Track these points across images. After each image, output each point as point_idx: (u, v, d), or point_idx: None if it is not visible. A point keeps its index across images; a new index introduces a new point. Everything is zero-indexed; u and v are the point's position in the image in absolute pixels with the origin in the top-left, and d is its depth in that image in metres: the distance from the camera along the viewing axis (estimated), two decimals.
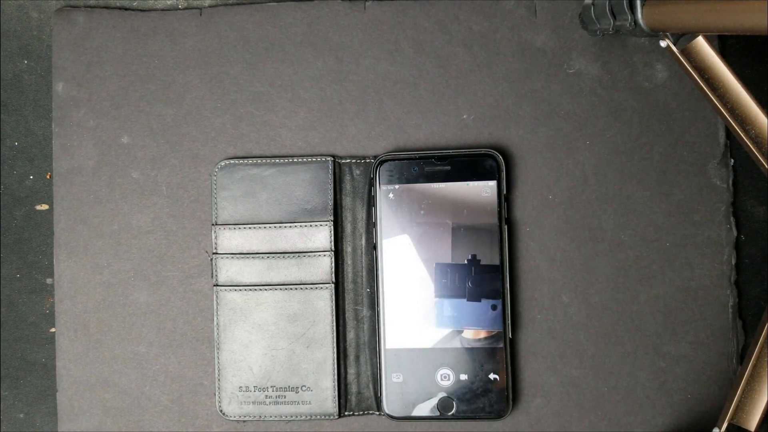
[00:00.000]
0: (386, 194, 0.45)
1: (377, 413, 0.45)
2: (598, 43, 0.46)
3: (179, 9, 0.48)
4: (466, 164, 0.45)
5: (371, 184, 0.46)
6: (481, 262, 0.44)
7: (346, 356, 0.46)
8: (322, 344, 0.45)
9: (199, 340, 0.46)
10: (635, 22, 0.40)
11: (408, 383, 0.44)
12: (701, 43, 0.40)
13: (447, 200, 0.44)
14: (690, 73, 0.40)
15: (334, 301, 0.45)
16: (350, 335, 0.46)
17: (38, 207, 0.49)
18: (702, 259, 0.45)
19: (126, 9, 0.48)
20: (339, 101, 0.47)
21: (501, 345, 0.44)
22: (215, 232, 0.46)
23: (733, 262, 0.45)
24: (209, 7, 0.48)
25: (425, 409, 0.44)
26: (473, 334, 0.44)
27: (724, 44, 0.47)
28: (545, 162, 0.46)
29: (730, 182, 0.45)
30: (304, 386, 0.45)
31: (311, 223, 0.45)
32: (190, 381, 0.46)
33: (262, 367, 0.45)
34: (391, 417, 0.44)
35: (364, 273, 0.46)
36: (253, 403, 0.45)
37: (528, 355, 0.45)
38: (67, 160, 0.47)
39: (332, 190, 0.46)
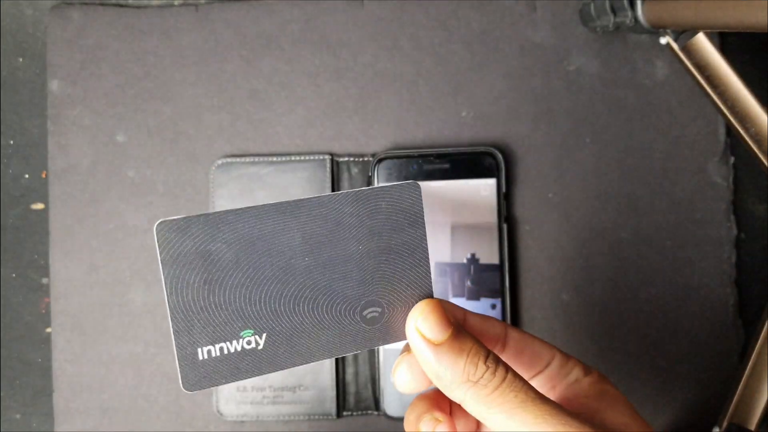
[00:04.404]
0: None
1: (376, 413, 0.45)
2: (598, 40, 0.46)
3: (175, 5, 0.48)
4: (465, 162, 0.44)
5: (369, 182, 0.45)
6: (481, 261, 0.44)
7: (344, 356, 0.45)
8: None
9: None
10: (635, 18, 0.40)
11: None
12: (702, 40, 0.40)
13: (446, 199, 0.44)
14: (690, 70, 0.40)
15: None
16: None
17: (34, 206, 0.48)
18: (702, 258, 0.45)
19: (121, 6, 0.48)
20: (337, 99, 0.46)
21: None
22: None
23: (734, 260, 0.45)
24: (205, 3, 0.47)
25: None
26: None
27: (725, 41, 0.46)
28: (545, 160, 0.46)
29: (731, 180, 0.45)
30: (302, 386, 0.45)
31: None
32: None
33: None
34: (390, 417, 0.44)
35: None
36: (251, 403, 0.45)
37: None
38: (63, 159, 0.47)
39: (330, 189, 0.45)
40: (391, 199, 0.26)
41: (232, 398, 0.45)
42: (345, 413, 0.45)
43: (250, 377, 0.25)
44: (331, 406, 0.45)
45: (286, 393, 0.45)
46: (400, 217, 0.26)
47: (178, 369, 0.24)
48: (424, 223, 0.26)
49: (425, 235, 0.26)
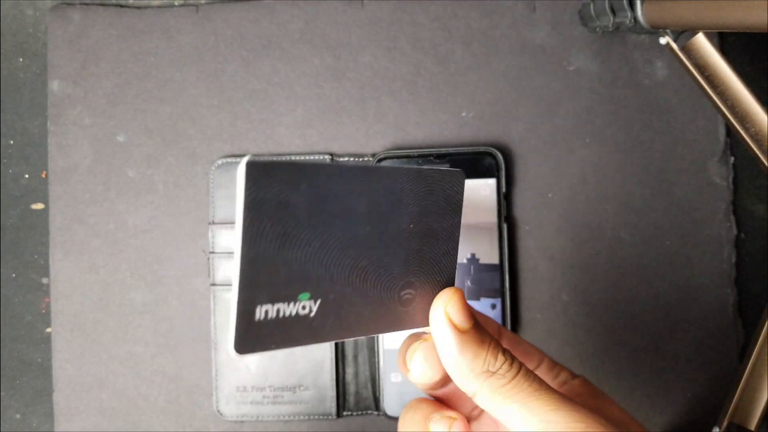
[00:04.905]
0: None
1: (375, 413, 0.45)
2: (597, 40, 0.46)
3: (175, 6, 0.48)
4: (465, 162, 0.44)
5: None
6: (480, 261, 0.44)
7: (344, 356, 0.45)
8: (320, 344, 0.45)
9: (196, 339, 0.46)
10: (635, 19, 0.40)
11: (406, 383, 0.44)
12: (701, 40, 0.40)
13: None
14: (690, 70, 0.40)
15: None
16: None
17: (34, 206, 0.48)
18: (702, 258, 0.45)
19: (122, 6, 0.48)
20: (337, 99, 0.46)
21: None
22: (212, 230, 0.45)
23: (734, 260, 0.45)
24: (206, 4, 0.47)
25: None
26: None
27: (724, 41, 0.46)
28: (545, 160, 0.46)
29: (731, 180, 0.45)
30: (302, 386, 0.45)
31: None
32: (188, 381, 0.46)
33: (259, 366, 0.45)
34: (390, 417, 0.44)
35: None
36: (251, 403, 0.45)
37: None
38: (63, 159, 0.47)
39: None
40: (442, 182, 0.26)
41: (232, 398, 0.45)
42: (345, 413, 0.45)
43: (300, 345, 0.24)
44: (331, 406, 0.45)
45: (286, 393, 0.45)
46: (445, 202, 0.26)
47: (234, 328, 0.22)
48: (461, 213, 0.26)
49: (460, 224, 0.26)
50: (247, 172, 0.21)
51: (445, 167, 0.27)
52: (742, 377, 0.40)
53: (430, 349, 0.26)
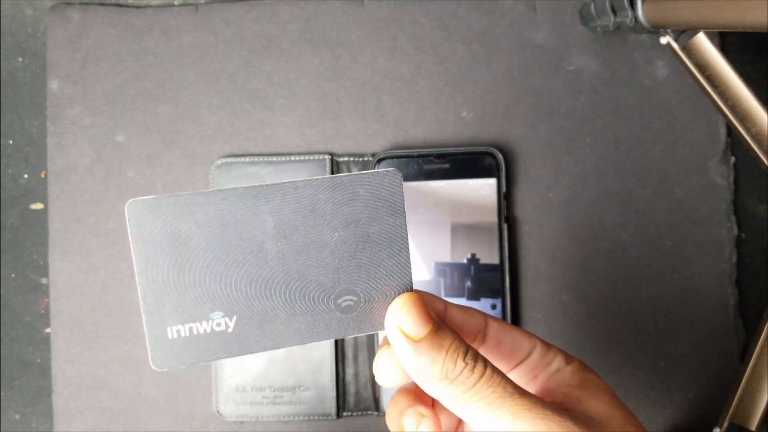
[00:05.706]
0: None
1: (375, 413, 0.45)
2: (598, 39, 0.46)
3: (175, 5, 0.47)
4: (465, 162, 0.44)
5: None
6: (481, 261, 0.44)
7: (344, 356, 0.45)
8: (320, 344, 0.45)
9: None
10: (636, 18, 0.40)
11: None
12: (702, 39, 0.40)
13: (446, 198, 0.44)
14: (691, 70, 0.40)
15: None
16: None
17: (33, 206, 0.48)
18: (703, 258, 0.45)
19: (121, 5, 0.48)
20: (336, 99, 0.46)
21: None
22: None
23: (734, 260, 0.45)
24: (205, 3, 0.47)
25: None
26: None
27: (725, 41, 0.46)
28: (545, 160, 0.46)
29: (731, 180, 0.45)
30: (302, 386, 0.45)
31: None
32: (187, 381, 0.46)
33: (259, 367, 0.45)
34: None
35: None
36: (251, 403, 0.45)
37: None
38: (62, 159, 0.47)
39: None
40: (369, 186, 0.25)
41: (232, 398, 0.45)
42: (345, 414, 0.45)
43: (219, 358, 0.25)
44: (330, 406, 0.44)
45: (285, 393, 0.45)
46: (379, 205, 0.26)
47: (148, 347, 0.24)
48: (404, 213, 0.26)
49: (405, 225, 0.26)
50: (128, 212, 0.24)
51: (374, 170, 0.27)
52: (743, 378, 0.40)
53: (394, 353, 0.26)
